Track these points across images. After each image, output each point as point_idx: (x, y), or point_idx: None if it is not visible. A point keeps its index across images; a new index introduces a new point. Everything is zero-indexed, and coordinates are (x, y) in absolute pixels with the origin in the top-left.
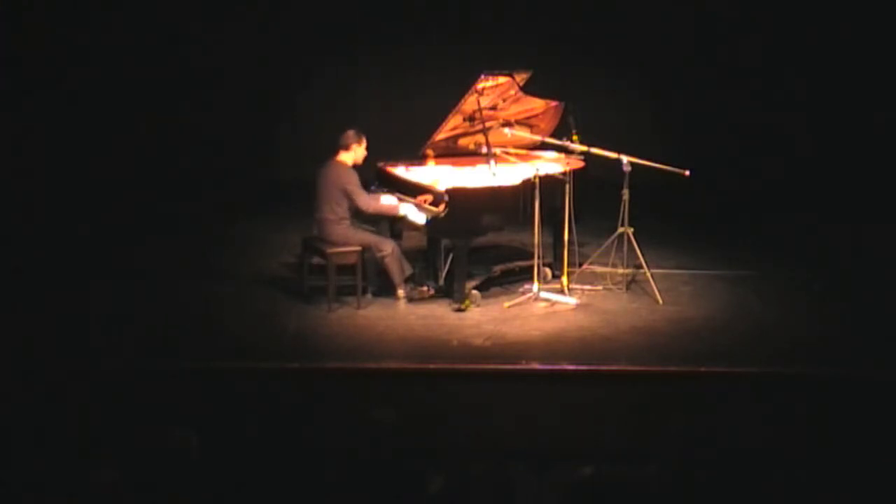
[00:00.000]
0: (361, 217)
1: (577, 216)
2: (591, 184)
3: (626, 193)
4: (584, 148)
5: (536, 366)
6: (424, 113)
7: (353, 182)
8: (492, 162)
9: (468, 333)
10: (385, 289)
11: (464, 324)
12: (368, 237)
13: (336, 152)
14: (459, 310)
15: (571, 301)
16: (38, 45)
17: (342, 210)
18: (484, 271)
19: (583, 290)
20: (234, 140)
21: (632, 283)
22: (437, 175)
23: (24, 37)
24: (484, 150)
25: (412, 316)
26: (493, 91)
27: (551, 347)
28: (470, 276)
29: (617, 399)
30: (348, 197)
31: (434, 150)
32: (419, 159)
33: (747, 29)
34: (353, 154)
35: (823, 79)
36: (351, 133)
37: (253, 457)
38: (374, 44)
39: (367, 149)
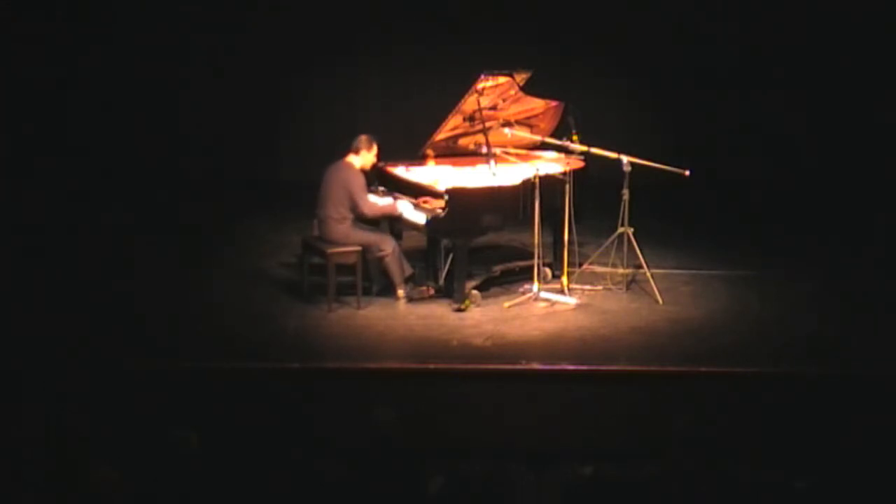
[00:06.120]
0: (362, 217)
1: (577, 216)
2: (591, 184)
3: (626, 193)
4: (584, 148)
5: (536, 366)
6: (424, 113)
7: (359, 185)
8: (492, 162)
9: (468, 333)
10: (385, 289)
11: (464, 324)
12: (369, 237)
13: (347, 153)
14: (459, 310)
15: (571, 301)
16: (39, 44)
17: (345, 210)
18: (484, 271)
19: (583, 290)
20: (235, 140)
21: (632, 283)
22: (437, 175)
23: (24, 35)
24: (484, 150)
25: (412, 316)
26: (493, 91)
27: (551, 347)
28: (470, 276)
29: (617, 399)
30: (351, 198)
31: (434, 150)
32: (419, 159)
33: (747, 28)
34: (362, 159)
35: (824, 78)
36: (364, 138)
37: (253, 457)
38: (375, 44)
39: (377, 156)
